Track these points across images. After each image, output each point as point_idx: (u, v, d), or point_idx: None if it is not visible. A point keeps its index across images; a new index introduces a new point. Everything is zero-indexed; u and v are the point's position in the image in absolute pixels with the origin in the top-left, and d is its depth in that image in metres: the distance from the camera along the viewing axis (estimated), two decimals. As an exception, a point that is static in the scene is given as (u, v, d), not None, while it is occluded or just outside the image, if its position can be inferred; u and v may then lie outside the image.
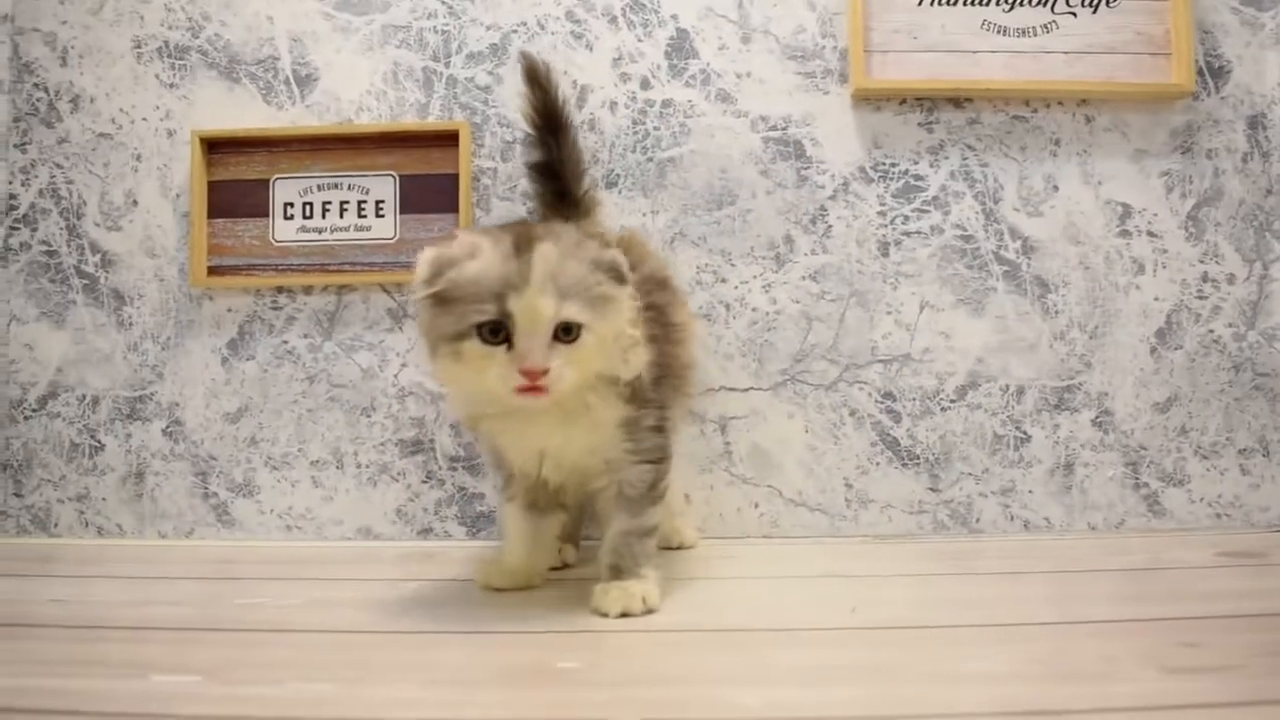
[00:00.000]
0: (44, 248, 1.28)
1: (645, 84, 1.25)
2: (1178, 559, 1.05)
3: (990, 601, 0.87)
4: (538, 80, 1.03)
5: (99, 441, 1.27)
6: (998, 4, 1.23)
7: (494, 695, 0.63)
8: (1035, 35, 1.22)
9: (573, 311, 0.76)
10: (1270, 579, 0.95)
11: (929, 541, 1.18)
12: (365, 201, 1.25)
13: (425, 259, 0.78)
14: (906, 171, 1.24)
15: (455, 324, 0.76)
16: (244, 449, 1.26)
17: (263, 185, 1.26)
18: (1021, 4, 1.23)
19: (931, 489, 1.22)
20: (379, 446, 1.25)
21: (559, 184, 1.03)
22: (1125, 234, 1.24)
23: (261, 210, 1.26)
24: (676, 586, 0.90)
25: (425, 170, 1.25)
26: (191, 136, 1.25)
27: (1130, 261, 1.23)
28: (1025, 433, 1.22)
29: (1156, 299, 1.23)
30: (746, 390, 1.23)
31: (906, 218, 1.24)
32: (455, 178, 1.24)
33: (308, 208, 1.26)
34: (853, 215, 1.24)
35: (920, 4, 1.22)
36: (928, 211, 1.24)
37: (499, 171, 1.25)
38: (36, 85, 1.29)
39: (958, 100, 1.24)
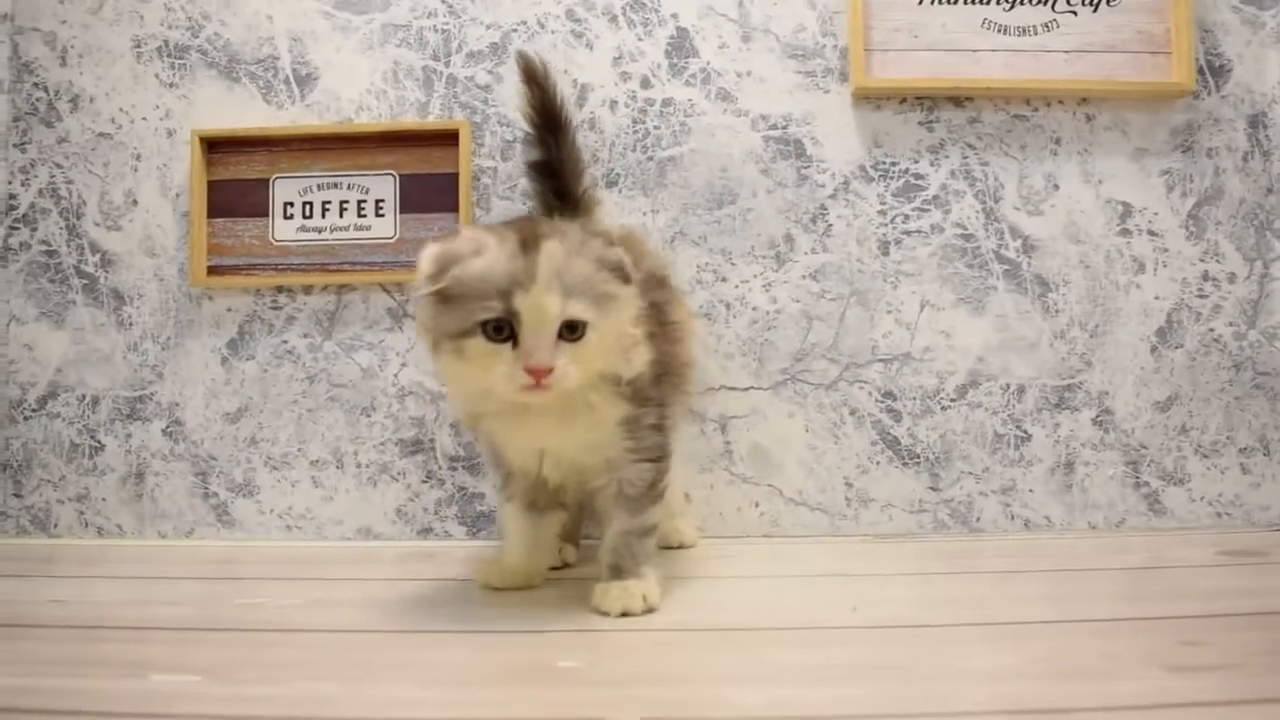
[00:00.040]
0: (44, 247, 1.28)
1: (645, 83, 1.25)
2: (1178, 558, 1.05)
3: (991, 600, 0.87)
4: (535, 79, 1.03)
5: (99, 442, 1.27)
6: (998, 3, 1.22)
7: (494, 694, 0.63)
8: (1036, 34, 1.22)
9: (578, 310, 0.76)
10: (1271, 577, 0.95)
11: (929, 541, 1.18)
12: (365, 201, 1.25)
13: (429, 255, 0.77)
14: (907, 170, 1.24)
15: (459, 321, 0.76)
16: (244, 449, 1.26)
17: (262, 185, 1.26)
18: (1022, 3, 1.22)
19: (932, 488, 1.22)
20: (379, 446, 1.25)
21: (558, 183, 1.03)
22: (1126, 233, 1.23)
23: (261, 210, 1.26)
24: (677, 586, 0.90)
25: (425, 169, 1.24)
26: (191, 136, 1.25)
27: (1131, 260, 1.23)
28: (1026, 432, 1.22)
29: (1157, 298, 1.23)
30: (747, 389, 1.23)
31: (907, 217, 1.24)
32: (455, 177, 1.23)
33: (307, 207, 1.25)
34: (853, 214, 1.24)
35: (920, 3, 1.22)
36: (928, 210, 1.24)
37: (499, 171, 1.25)
38: (36, 85, 1.29)
39: (958, 99, 1.24)
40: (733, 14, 1.25)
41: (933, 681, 0.62)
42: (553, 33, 1.26)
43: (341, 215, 1.25)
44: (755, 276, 1.23)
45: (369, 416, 1.25)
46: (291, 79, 1.27)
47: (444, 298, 0.77)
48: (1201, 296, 1.23)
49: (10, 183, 1.29)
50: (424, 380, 1.25)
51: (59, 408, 1.27)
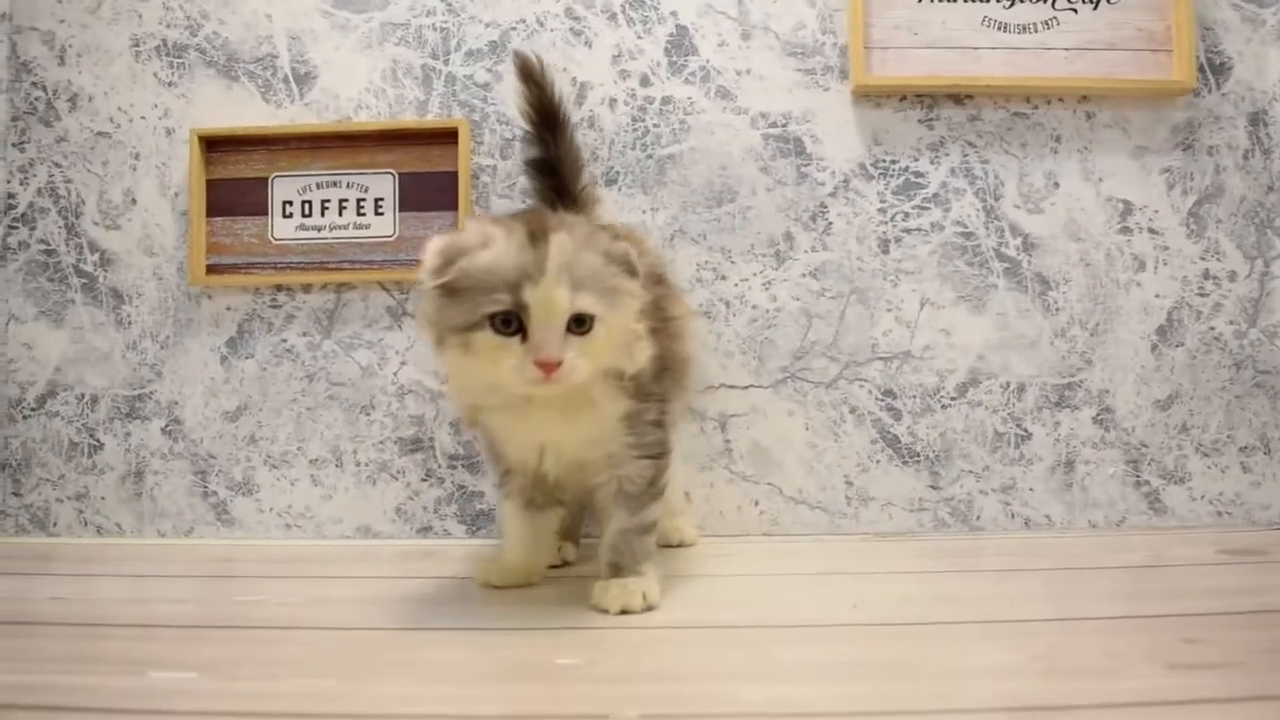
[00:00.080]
0: (42, 247, 1.28)
1: (645, 81, 1.25)
2: (1178, 556, 1.04)
3: (991, 598, 0.87)
4: (533, 77, 1.03)
5: (98, 440, 1.27)
6: (998, 0, 1.22)
7: (494, 692, 0.63)
8: (1036, 32, 1.22)
9: (587, 303, 0.75)
10: (1271, 576, 0.94)
11: (929, 539, 1.18)
12: (364, 199, 1.25)
13: (434, 248, 0.77)
14: (907, 168, 1.24)
15: (466, 315, 0.75)
16: (243, 447, 1.25)
17: (261, 183, 1.26)
18: (1022, 0, 1.22)
19: (932, 486, 1.22)
20: (378, 445, 1.25)
21: (557, 180, 1.03)
22: (1126, 231, 1.23)
23: (260, 208, 1.26)
24: (676, 584, 0.90)
25: (424, 168, 1.24)
26: (190, 135, 1.25)
27: (1131, 258, 1.23)
28: (1026, 430, 1.22)
29: (1157, 296, 1.23)
30: (746, 388, 1.23)
31: (907, 215, 1.23)
32: (454, 175, 1.23)
33: (306, 206, 1.25)
34: (853, 212, 1.23)
35: (920, 0, 1.22)
36: (928, 208, 1.24)
37: (498, 169, 1.25)
38: (35, 84, 1.29)
39: (958, 97, 1.24)
40: (732, 11, 1.25)
41: (934, 679, 0.62)
42: (551, 31, 1.25)
43: (340, 214, 1.25)
44: (755, 274, 1.23)
45: (368, 415, 1.25)
46: (290, 78, 1.27)
47: (449, 291, 0.76)
48: (1202, 295, 1.23)
49: (9, 182, 1.29)
50: (423, 379, 1.25)
51: (58, 407, 1.27)
